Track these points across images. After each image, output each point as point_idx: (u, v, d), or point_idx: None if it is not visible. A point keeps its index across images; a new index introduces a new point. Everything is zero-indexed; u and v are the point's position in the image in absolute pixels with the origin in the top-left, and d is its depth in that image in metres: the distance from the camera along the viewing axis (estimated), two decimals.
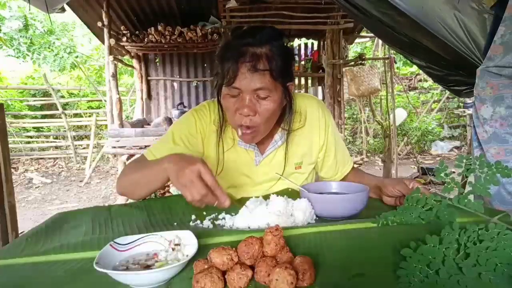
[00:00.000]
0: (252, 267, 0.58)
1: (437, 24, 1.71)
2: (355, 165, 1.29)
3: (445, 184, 0.74)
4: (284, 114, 1.08)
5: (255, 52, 0.92)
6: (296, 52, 5.31)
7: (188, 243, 0.67)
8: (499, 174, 0.69)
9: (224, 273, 0.56)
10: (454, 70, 2.12)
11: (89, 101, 8.81)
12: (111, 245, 0.65)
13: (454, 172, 0.78)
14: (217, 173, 1.11)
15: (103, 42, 4.57)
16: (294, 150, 1.15)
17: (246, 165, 1.12)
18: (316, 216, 0.89)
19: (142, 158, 1.07)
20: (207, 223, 0.87)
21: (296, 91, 2.49)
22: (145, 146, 4.01)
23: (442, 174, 0.75)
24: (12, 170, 6.45)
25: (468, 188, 0.72)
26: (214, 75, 1.03)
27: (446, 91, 6.75)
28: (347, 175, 1.23)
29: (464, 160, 0.73)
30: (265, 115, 0.97)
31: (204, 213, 0.94)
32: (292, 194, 0.99)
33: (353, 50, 9.06)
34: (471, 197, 0.73)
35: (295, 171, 1.16)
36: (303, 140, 1.15)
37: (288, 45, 1.00)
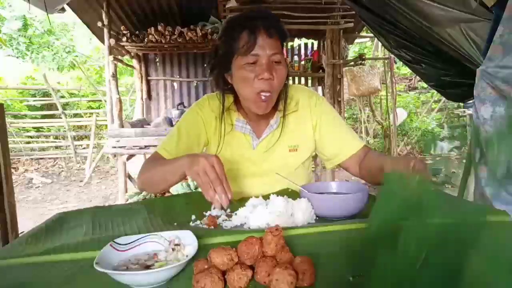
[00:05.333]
0: (252, 267, 0.58)
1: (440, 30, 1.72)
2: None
3: (426, 143, 0.67)
4: (280, 95, 1.16)
5: (267, 23, 1.03)
6: (296, 52, 5.32)
7: (188, 243, 0.67)
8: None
9: (224, 273, 0.56)
10: (452, 71, 2.12)
11: (89, 101, 8.82)
12: (111, 245, 0.65)
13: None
14: (218, 151, 1.20)
15: (103, 42, 4.56)
16: (289, 133, 1.20)
17: (244, 148, 1.20)
18: (316, 216, 0.89)
19: (157, 155, 1.16)
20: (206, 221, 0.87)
21: None
22: (145, 146, 4.01)
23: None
24: (12, 170, 6.45)
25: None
26: (213, 58, 1.13)
27: None
28: (366, 158, 1.14)
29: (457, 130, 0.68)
30: (280, 79, 1.06)
31: (204, 212, 0.94)
32: (292, 194, 0.99)
33: (353, 50, 9.06)
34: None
35: (289, 154, 1.21)
36: (297, 124, 1.21)
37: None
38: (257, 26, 1.01)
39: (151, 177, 1.09)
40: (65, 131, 7.78)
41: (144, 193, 4.05)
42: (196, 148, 1.20)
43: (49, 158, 7.77)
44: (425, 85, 8.61)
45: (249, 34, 1.01)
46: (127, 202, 2.74)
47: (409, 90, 8.78)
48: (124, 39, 4.66)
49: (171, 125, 4.70)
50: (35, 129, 8.11)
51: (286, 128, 1.20)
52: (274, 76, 1.04)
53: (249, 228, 0.82)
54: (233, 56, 1.05)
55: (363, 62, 4.52)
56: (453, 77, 2.18)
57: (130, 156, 4.50)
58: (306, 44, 5.43)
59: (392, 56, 4.79)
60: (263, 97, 1.05)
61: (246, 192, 1.17)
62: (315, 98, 1.23)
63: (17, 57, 8.31)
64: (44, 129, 8.21)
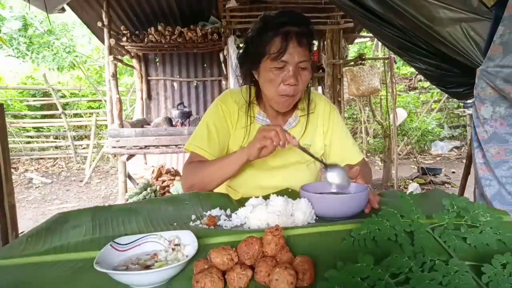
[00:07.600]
0: (252, 267, 0.58)
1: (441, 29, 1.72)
2: None
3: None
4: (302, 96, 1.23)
5: (299, 32, 1.07)
6: None
7: (188, 243, 0.67)
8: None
9: (224, 273, 0.56)
10: (453, 71, 2.12)
11: (89, 101, 8.82)
12: (111, 245, 0.65)
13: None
14: (243, 143, 1.24)
15: (103, 42, 4.56)
16: (305, 132, 1.27)
17: None
18: (316, 216, 0.89)
19: (195, 157, 1.21)
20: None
21: None
22: (145, 146, 4.01)
23: None
24: (12, 170, 6.45)
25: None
26: (244, 53, 1.18)
27: None
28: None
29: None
30: (305, 83, 1.14)
31: (204, 212, 0.94)
32: (292, 194, 0.99)
33: (353, 50, 9.06)
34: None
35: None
36: (312, 125, 1.29)
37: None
38: (290, 34, 1.05)
39: (204, 177, 1.14)
40: (65, 131, 7.79)
41: (144, 193, 4.05)
42: (226, 141, 1.25)
43: (49, 158, 7.77)
44: (425, 85, 8.62)
45: (281, 41, 1.05)
46: (127, 202, 2.74)
47: (409, 90, 8.78)
48: (124, 39, 4.66)
49: (171, 125, 4.70)
50: (35, 129, 8.11)
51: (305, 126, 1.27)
52: (299, 81, 1.10)
53: (249, 228, 0.82)
54: (262, 57, 1.10)
55: (363, 62, 4.52)
56: (455, 77, 2.18)
57: (130, 156, 4.50)
58: None
59: (392, 56, 4.80)
60: (285, 99, 1.12)
61: (262, 184, 1.22)
62: (329, 107, 1.32)
63: (17, 57, 8.31)
64: (44, 129, 8.21)
